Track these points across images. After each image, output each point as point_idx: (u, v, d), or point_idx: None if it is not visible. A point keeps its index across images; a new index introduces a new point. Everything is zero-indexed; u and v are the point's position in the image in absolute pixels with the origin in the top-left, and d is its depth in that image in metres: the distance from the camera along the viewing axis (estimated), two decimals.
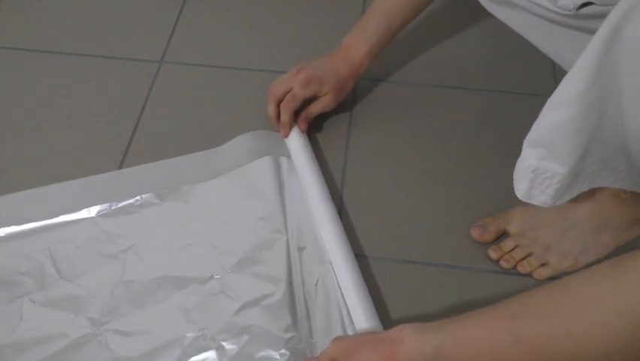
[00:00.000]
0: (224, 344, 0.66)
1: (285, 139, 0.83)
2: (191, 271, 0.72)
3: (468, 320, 0.52)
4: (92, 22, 1.03)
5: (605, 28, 0.48)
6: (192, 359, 0.66)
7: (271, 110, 0.83)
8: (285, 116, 0.82)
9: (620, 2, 0.47)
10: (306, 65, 0.84)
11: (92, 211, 0.77)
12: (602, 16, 0.54)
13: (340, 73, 0.84)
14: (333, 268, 0.71)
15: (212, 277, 0.72)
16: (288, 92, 0.82)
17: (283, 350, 0.65)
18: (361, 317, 0.66)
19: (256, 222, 0.75)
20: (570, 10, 0.56)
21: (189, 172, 0.81)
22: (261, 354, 0.65)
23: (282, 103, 0.82)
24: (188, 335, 0.67)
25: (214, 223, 0.76)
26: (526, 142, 0.58)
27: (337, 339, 0.59)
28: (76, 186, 0.79)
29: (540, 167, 0.58)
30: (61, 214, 0.77)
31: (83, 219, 0.76)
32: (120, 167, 0.84)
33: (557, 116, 0.54)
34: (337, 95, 0.85)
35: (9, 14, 1.05)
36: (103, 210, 0.77)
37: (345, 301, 0.68)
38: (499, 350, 0.49)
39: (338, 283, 0.70)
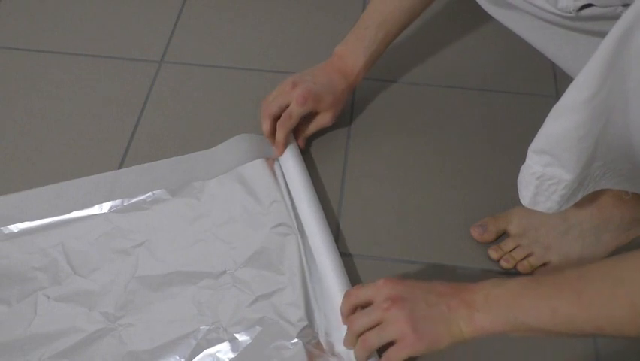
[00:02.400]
0: (237, 335, 0.67)
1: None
2: (203, 266, 0.73)
3: (542, 275, 0.57)
4: (92, 22, 1.03)
5: (614, 33, 0.47)
6: (206, 351, 0.66)
7: (266, 126, 0.79)
8: (281, 135, 0.79)
9: (631, 6, 0.46)
10: (300, 77, 0.81)
11: (104, 207, 0.77)
12: (603, 17, 0.54)
13: (337, 87, 0.81)
14: (311, 272, 0.72)
15: (224, 271, 0.72)
16: (284, 108, 0.79)
17: (296, 340, 0.66)
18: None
19: (265, 218, 0.76)
20: (570, 12, 0.56)
21: (200, 169, 0.81)
22: (274, 345, 0.66)
23: (279, 122, 0.79)
24: (201, 327, 0.68)
25: (224, 219, 0.76)
26: (530, 149, 0.58)
27: (387, 279, 0.62)
28: (88, 183, 0.80)
29: (545, 174, 0.57)
30: (74, 210, 0.77)
31: (96, 215, 0.77)
32: (120, 167, 0.84)
33: (563, 124, 0.53)
34: (335, 111, 0.83)
35: (9, 14, 1.05)
36: (115, 207, 0.78)
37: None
38: (560, 303, 0.52)
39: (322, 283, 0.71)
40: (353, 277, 0.73)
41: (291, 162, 0.80)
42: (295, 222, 0.75)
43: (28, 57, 0.98)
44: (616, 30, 0.47)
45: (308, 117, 0.82)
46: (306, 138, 0.84)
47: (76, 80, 0.95)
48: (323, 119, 0.83)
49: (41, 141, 0.87)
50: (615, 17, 0.51)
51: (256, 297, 0.70)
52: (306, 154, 0.84)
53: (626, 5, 0.53)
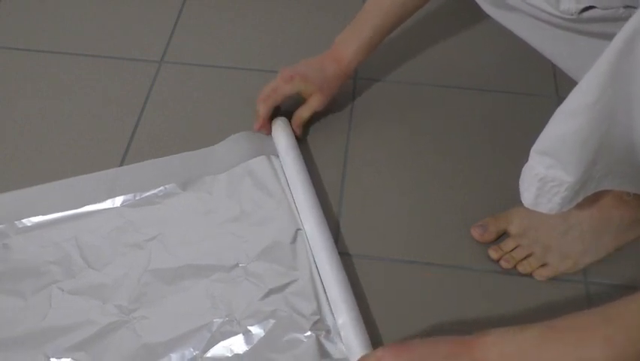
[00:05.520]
0: (250, 328, 0.68)
1: (275, 140, 0.84)
2: (216, 260, 0.73)
3: (557, 321, 0.51)
4: (92, 22, 1.03)
5: (619, 38, 0.47)
6: (220, 343, 0.67)
7: (260, 110, 0.83)
8: (262, 109, 0.82)
9: (637, 11, 0.46)
10: (293, 64, 0.84)
11: (117, 202, 0.78)
12: (604, 19, 0.54)
13: (327, 71, 0.83)
14: (318, 270, 0.72)
15: (237, 265, 0.73)
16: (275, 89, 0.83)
17: (309, 333, 0.67)
18: (346, 321, 0.67)
19: (276, 212, 0.76)
20: (572, 15, 0.56)
21: (210, 164, 0.82)
22: (287, 337, 0.67)
23: (264, 97, 0.82)
24: (215, 320, 0.69)
25: (236, 213, 0.77)
26: (533, 150, 0.58)
27: (387, 348, 0.55)
28: (100, 178, 0.81)
29: (548, 175, 0.57)
30: (87, 204, 0.78)
31: (108, 209, 0.78)
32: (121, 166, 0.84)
33: (566, 127, 0.53)
34: (325, 94, 0.84)
35: (9, 14, 1.05)
36: (127, 201, 0.78)
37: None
38: (588, 351, 0.48)
39: (323, 284, 0.71)
40: (353, 277, 0.73)
41: (290, 160, 0.81)
42: (299, 218, 0.76)
43: (28, 57, 0.98)
44: (621, 35, 0.47)
45: (301, 103, 0.84)
46: (302, 125, 0.85)
47: (76, 80, 0.95)
48: (314, 103, 0.84)
49: (41, 141, 0.87)
50: (617, 19, 0.51)
51: (268, 290, 0.70)
52: (306, 154, 0.84)
53: (628, 7, 0.53)
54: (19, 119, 0.90)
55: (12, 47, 1.00)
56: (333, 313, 0.68)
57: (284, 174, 0.80)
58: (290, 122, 0.85)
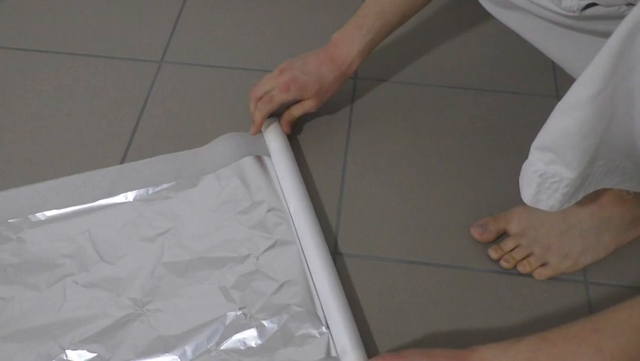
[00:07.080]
0: (264, 322, 0.68)
1: (266, 139, 0.84)
2: (228, 252, 0.74)
3: (548, 333, 0.52)
4: (92, 22, 1.03)
5: (621, 30, 0.47)
6: (234, 336, 0.67)
7: (252, 108, 0.84)
8: (257, 116, 0.82)
9: (637, 5, 0.46)
10: (290, 64, 0.82)
11: (130, 196, 0.79)
12: (606, 17, 0.54)
13: (325, 76, 0.82)
14: (309, 270, 0.72)
15: (248, 256, 0.73)
16: (269, 92, 0.82)
17: (323, 329, 0.67)
18: (341, 329, 0.66)
19: (281, 206, 0.77)
20: (574, 12, 0.56)
21: (222, 158, 0.82)
22: (301, 332, 0.67)
23: (259, 103, 0.82)
24: (229, 313, 0.69)
25: (247, 205, 0.77)
26: (534, 146, 0.57)
27: (383, 356, 0.57)
28: (113, 172, 0.81)
29: (548, 171, 0.57)
30: (100, 199, 0.79)
31: (121, 203, 0.78)
32: None
33: (567, 121, 0.53)
34: (320, 98, 0.84)
35: (9, 14, 1.05)
36: (140, 195, 0.79)
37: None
38: None
39: (315, 286, 0.71)
40: (352, 278, 0.73)
41: (281, 162, 0.80)
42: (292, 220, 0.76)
43: (28, 57, 0.98)
44: (623, 27, 0.47)
45: (293, 102, 0.84)
46: (291, 123, 0.85)
47: (76, 80, 0.95)
48: (307, 105, 0.84)
49: (41, 141, 0.87)
50: (619, 17, 0.51)
51: (282, 283, 0.71)
52: (306, 154, 0.85)
53: (630, 5, 0.53)
54: (19, 119, 0.90)
55: (12, 47, 1.00)
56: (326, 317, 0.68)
57: (276, 174, 0.81)
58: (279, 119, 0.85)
